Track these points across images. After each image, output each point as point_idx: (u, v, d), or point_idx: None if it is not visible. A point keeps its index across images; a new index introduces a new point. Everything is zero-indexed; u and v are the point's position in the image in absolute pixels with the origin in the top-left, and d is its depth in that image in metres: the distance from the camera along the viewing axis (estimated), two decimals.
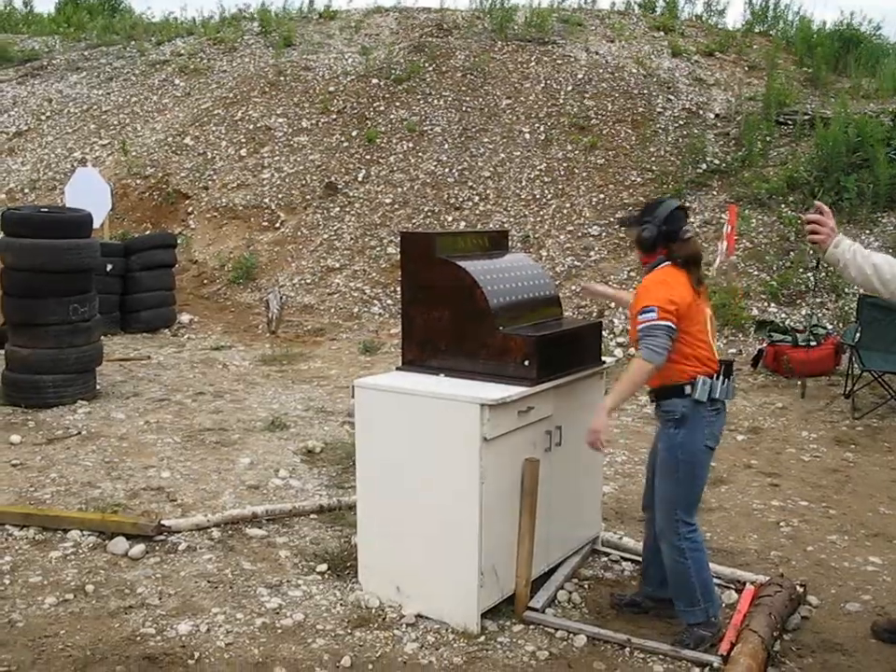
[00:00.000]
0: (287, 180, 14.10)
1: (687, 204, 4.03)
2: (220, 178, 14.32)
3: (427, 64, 16.27)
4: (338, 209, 13.51)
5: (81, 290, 7.92)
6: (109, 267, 10.52)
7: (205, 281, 12.61)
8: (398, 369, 4.66)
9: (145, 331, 11.14)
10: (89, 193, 10.78)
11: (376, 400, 4.32)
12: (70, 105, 17.60)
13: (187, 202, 14.00)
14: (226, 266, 12.70)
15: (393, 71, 16.13)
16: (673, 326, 3.94)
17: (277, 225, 13.39)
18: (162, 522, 5.20)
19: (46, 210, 8.63)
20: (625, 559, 5.06)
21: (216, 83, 16.97)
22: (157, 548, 5.03)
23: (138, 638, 4.08)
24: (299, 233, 13.20)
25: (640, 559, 4.80)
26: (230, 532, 5.27)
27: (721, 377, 4.10)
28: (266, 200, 13.78)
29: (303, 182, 14.01)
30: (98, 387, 8.23)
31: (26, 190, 15.19)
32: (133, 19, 23.48)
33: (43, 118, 17.39)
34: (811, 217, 3.80)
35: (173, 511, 5.54)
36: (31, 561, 4.86)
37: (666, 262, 4.13)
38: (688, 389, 4.02)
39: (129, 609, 4.36)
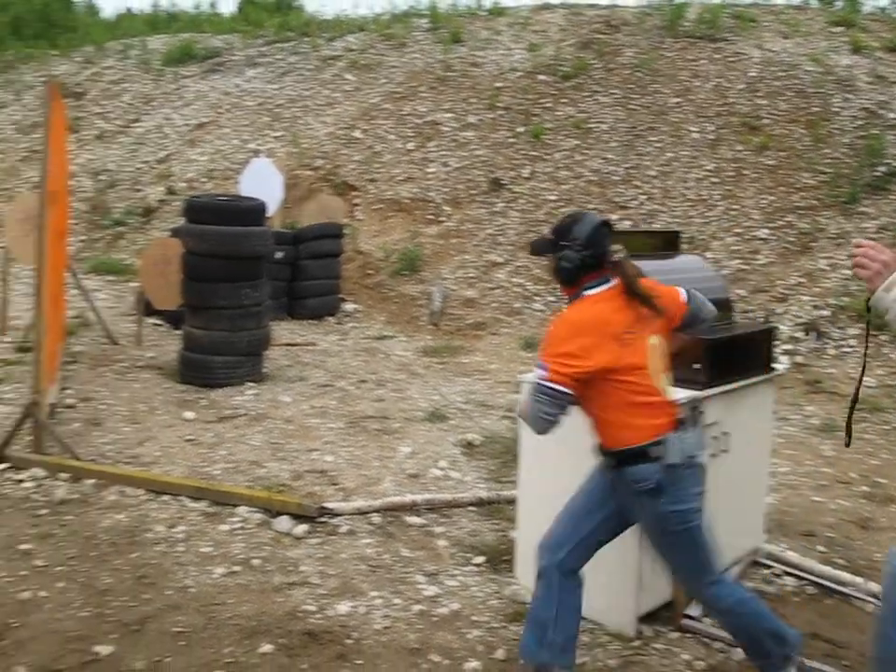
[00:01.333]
0: (452, 175, 14.21)
1: (611, 218, 3.24)
2: (387, 171, 14.55)
3: (594, 61, 16.13)
4: (502, 204, 13.53)
5: (253, 276, 8.19)
6: (279, 254, 10.83)
7: (370, 271, 12.83)
8: None
9: (310, 318, 11.41)
10: (262, 183, 11.13)
11: None
12: (246, 98, 18.24)
13: (354, 193, 14.27)
14: (390, 257, 12.89)
15: (560, 68, 16.06)
16: (567, 391, 3.26)
17: (442, 218, 13.51)
18: (325, 504, 5.34)
19: (224, 198, 8.97)
20: (788, 574, 4.88)
21: (385, 78, 17.26)
22: (319, 529, 5.17)
23: (300, 614, 4.20)
24: (463, 227, 13.28)
25: (804, 575, 4.65)
26: (389, 518, 5.36)
27: (689, 426, 3.40)
28: (431, 193, 13.93)
29: (469, 177, 14.09)
30: (265, 370, 8.50)
31: (203, 179, 15.80)
32: (307, 16, 24.15)
33: (221, 111, 18.08)
34: (859, 244, 2.83)
35: (334, 495, 5.68)
36: (203, 532, 5.07)
37: (593, 289, 3.42)
38: (655, 451, 3.29)
39: (291, 585, 4.50)
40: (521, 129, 14.87)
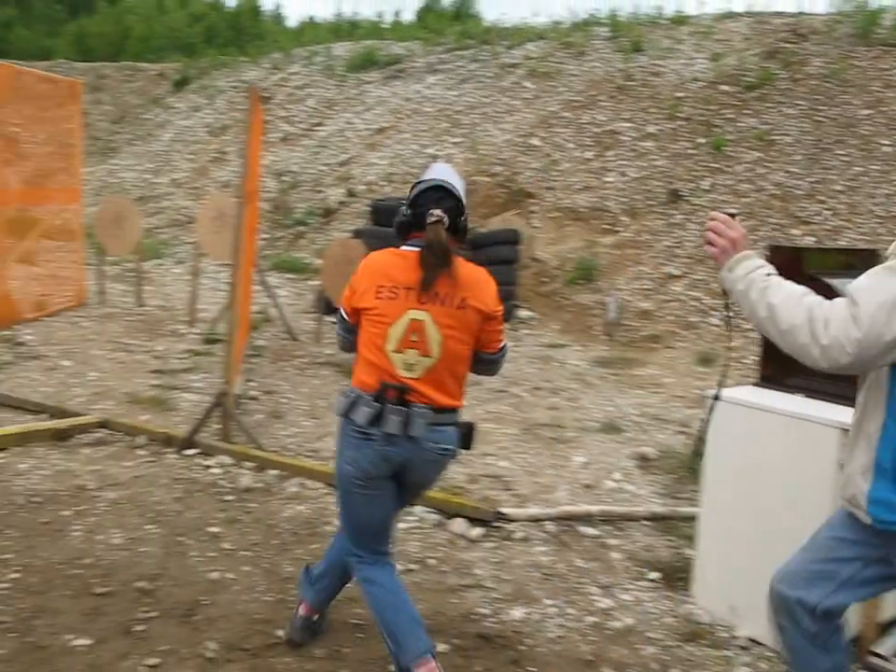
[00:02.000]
0: (630, 185, 14.06)
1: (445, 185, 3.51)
2: (565, 179, 14.52)
3: (780, 71, 15.66)
4: (680, 216, 13.29)
5: None
6: None
7: (545, 279, 12.80)
8: (754, 384, 4.54)
9: None
10: None
11: (731, 414, 4.22)
12: (426, 104, 18.55)
13: (531, 200, 14.29)
14: (566, 266, 12.84)
15: (744, 78, 15.66)
16: (345, 318, 3.53)
17: (619, 228, 13.38)
18: (500, 509, 5.37)
19: None
20: None
21: (564, 86, 17.23)
22: (493, 533, 5.20)
23: (474, 617, 4.24)
24: (640, 238, 13.11)
25: None
26: (563, 527, 5.33)
27: (383, 402, 3.33)
28: (609, 203, 13.81)
29: (647, 187, 13.91)
30: None
31: (382, 183, 16.16)
32: (487, 24, 24.40)
33: (401, 116, 18.44)
34: (713, 216, 2.83)
35: (509, 500, 5.70)
36: None
37: (408, 246, 3.44)
38: (346, 400, 3.40)
39: (466, 587, 4.54)
40: (701, 140, 14.58)
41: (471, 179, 14.62)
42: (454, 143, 16.67)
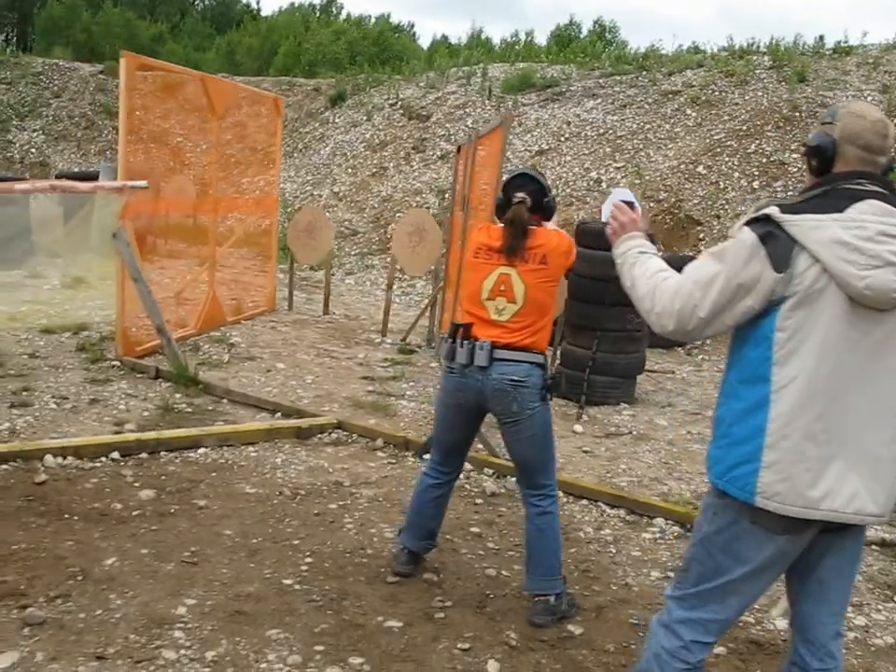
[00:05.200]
0: None
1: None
2: (732, 208, 14.61)
3: None
4: None
5: None
6: None
7: None
8: None
9: (660, 347, 11.32)
10: None
11: None
12: (587, 128, 18.81)
13: (698, 228, 14.44)
14: None
15: None
16: None
17: None
18: None
19: None
20: None
21: (728, 115, 17.29)
22: None
23: (740, 624, 4.41)
24: None
25: None
26: None
27: (459, 338, 4.21)
28: None
29: None
30: (635, 395, 8.82)
31: None
32: (644, 51, 24.60)
33: (562, 139, 18.74)
34: (615, 204, 3.19)
35: None
36: (628, 538, 5.45)
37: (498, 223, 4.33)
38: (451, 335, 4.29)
39: None
40: None
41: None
42: (617, 167, 16.91)
